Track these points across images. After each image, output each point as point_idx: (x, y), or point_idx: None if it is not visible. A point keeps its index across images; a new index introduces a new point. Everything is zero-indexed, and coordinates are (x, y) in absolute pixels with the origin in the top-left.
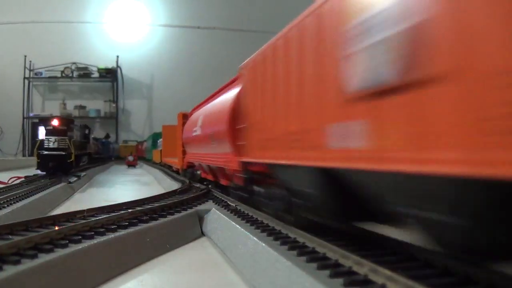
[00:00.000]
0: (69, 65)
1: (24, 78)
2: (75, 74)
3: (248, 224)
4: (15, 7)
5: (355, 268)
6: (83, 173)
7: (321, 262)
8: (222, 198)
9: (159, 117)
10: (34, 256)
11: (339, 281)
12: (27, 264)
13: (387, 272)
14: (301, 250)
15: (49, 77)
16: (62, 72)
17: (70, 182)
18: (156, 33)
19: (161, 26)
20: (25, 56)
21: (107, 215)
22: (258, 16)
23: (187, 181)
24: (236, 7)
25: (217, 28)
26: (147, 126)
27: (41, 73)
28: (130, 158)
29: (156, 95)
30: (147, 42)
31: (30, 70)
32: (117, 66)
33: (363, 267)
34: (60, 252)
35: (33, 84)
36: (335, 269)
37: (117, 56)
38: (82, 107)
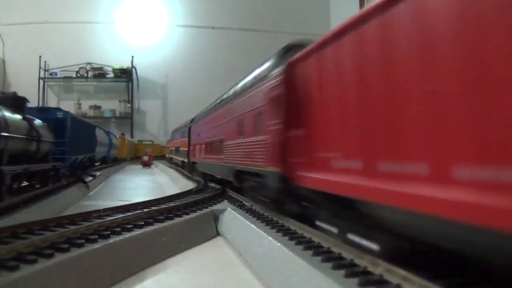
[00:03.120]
0: (84, 65)
1: (39, 78)
2: (90, 74)
3: (264, 224)
4: (30, 8)
5: (370, 268)
6: (98, 173)
7: (336, 262)
8: (238, 198)
9: (174, 117)
10: (51, 255)
11: (354, 280)
12: (44, 263)
13: (402, 272)
14: (316, 250)
15: (64, 77)
16: (77, 72)
17: (85, 182)
18: (170, 34)
19: (176, 26)
20: (40, 56)
21: (123, 215)
22: (272, 16)
23: (202, 180)
24: (250, 7)
25: (231, 28)
26: (162, 126)
27: (56, 73)
28: (145, 158)
29: (171, 95)
30: (162, 43)
31: (45, 71)
32: (132, 66)
33: (378, 267)
34: (76, 251)
35: (48, 85)
36: (350, 269)
37: (132, 57)
38: (97, 107)
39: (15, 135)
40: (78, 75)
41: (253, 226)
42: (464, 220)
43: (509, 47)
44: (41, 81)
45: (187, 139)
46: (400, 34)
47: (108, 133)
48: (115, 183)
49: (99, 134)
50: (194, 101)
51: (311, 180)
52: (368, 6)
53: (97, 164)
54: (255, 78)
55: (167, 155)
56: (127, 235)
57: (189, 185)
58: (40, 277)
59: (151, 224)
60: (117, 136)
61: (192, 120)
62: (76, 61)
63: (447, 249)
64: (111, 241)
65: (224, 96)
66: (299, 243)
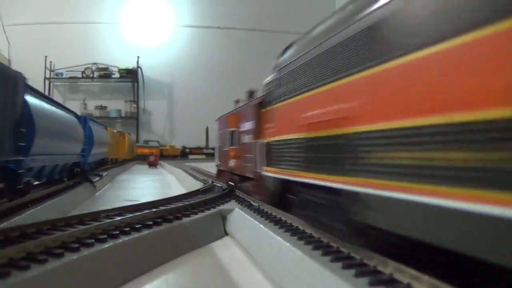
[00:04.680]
0: (89, 65)
1: (45, 78)
2: (96, 74)
3: (272, 223)
4: (35, 9)
5: (380, 267)
6: (105, 173)
7: (346, 261)
8: (245, 198)
9: (180, 116)
10: (60, 255)
11: (365, 280)
12: (53, 263)
13: (412, 272)
14: (325, 249)
15: (70, 78)
16: (83, 72)
17: (92, 182)
18: (176, 34)
19: (182, 26)
20: (46, 56)
21: (132, 215)
22: (278, 16)
23: (210, 180)
24: (256, 8)
25: (237, 28)
26: (167, 126)
27: (61, 74)
28: (151, 158)
29: (177, 95)
30: (168, 43)
31: (50, 71)
32: (138, 66)
33: (388, 267)
34: (86, 251)
35: (53, 85)
36: (360, 268)
37: (138, 57)
38: (103, 107)
39: None
40: (84, 75)
41: (261, 226)
42: None
43: None
44: (47, 81)
45: None
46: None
47: (84, 119)
48: (121, 183)
49: (48, 113)
50: (199, 101)
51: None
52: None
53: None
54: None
55: (220, 163)
56: (136, 235)
57: (195, 184)
58: (50, 276)
59: (159, 224)
60: (108, 129)
61: None
62: (82, 61)
63: None
64: (120, 240)
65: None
66: (308, 243)
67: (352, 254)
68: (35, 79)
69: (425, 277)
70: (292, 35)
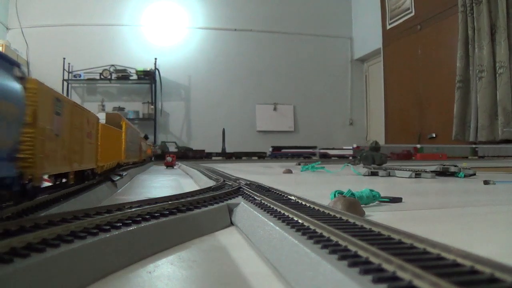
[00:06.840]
0: (107, 67)
1: (63, 80)
2: (114, 76)
3: (269, 214)
4: (54, 11)
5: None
6: (124, 173)
7: (352, 259)
8: (250, 194)
9: (197, 118)
10: (95, 234)
11: (368, 278)
12: (92, 239)
13: (415, 269)
14: (325, 243)
15: (88, 79)
16: (101, 74)
17: (113, 181)
18: (193, 36)
19: (199, 28)
20: (64, 58)
21: (151, 206)
22: (294, 18)
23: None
24: (272, 10)
25: (253, 31)
26: (185, 127)
27: (79, 75)
28: (169, 158)
29: (194, 96)
30: (185, 45)
31: (69, 72)
32: (155, 68)
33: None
34: (114, 232)
35: (72, 86)
36: (365, 266)
37: (155, 59)
38: (120, 109)
39: None
40: (102, 77)
41: (259, 215)
42: None
43: None
44: (65, 83)
45: None
46: None
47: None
48: (140, 182)
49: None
50: (216, 102)
51: None
52: None
53: None
54: None
55: None
56: (155, 221)
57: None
58: (91, 248)
59: (174, 214)
60: (61, 97)
61: None
62: (100, 63)
63: None
64: (142, 225)
65: None
66: (303, 233)
67: (359, 253)
68: (53, 81)
69: (427, 275)
70: (308, 37)
